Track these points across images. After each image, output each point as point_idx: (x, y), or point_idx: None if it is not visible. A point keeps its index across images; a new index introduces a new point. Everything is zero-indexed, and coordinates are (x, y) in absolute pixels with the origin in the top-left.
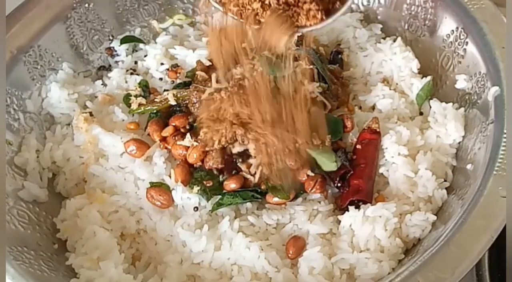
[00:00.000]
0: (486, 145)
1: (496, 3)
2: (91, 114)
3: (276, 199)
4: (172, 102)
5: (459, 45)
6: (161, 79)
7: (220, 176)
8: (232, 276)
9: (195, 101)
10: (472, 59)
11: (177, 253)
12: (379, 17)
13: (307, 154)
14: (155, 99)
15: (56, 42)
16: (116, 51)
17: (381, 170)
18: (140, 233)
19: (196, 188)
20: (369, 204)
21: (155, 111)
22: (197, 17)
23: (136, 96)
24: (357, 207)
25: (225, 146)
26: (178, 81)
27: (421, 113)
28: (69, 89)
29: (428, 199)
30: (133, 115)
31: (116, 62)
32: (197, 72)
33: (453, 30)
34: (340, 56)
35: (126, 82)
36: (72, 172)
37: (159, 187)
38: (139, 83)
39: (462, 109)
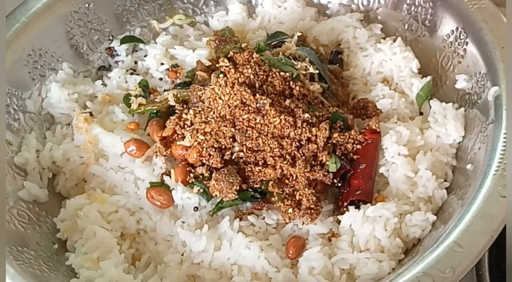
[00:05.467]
0: (486, 145)
1: (496, 3)
2: (91, 114)
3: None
4: (172, 102)
5: (459, 45)
6: (161, 79)
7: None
8: (232, 276)
9: (195, 101)
10: (472, 59)
11: (177, 253)
12: (379, 17)
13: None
14: (155, 99)
15: (56, 42)
16: (116, 51)
17: (381, 170)
18: (140, 233)
19: (196, 188)
20: (369, 204)
21: (155, 111)
22: (197, 17)
23: (136, 96)
24: (357, 207)
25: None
26: (178, 81)
27: (421, 113)
28: (69, 89)
29: (428, 199)
30: (133, 115)
31: (116, 62)
32: (197, 72)
33: (453, 30)
34: (340, 56)
35: (126, 82)
36: (72, 172)
37: (159, 187)
38: (139, 83)
39: (462, 109)
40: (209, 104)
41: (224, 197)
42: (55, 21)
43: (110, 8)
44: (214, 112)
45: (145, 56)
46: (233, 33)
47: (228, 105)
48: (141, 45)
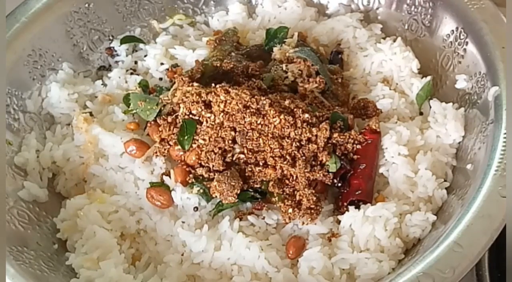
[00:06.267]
0: (486, 145)
1: (496, 3)
2: (91, 114)
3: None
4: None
5: (459, 45)
6: (161, 79)
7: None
8: (232, 276)
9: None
10: (472, 59)
11: (177, 253)
12: (379, 17)
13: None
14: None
15: (56, 42)
16: (116, 51)
17: (381, 170)
18: (140, 233)
19: (196, 189)
20: (369, 204)
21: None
22: (197, 17)
23: None
24: (357, 207)
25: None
26: None
27: (421, 113)
28: (69, 89)
29: (428, 199)
30: (133, 115)
31: (116, 62)
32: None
33: (453, 30)
34: (340, 56)
35: (126, 82)
36: (72, 172)
37: (159, 187)
38: (139, 83)
39: (462, 109)
40: (206, 121)
41: (224, 199)
42: (55, 21)
43: (110, 8)
44: (213, 123)
45: (145, 56)
46: (236, 33)
47: (227, 113)
48: (141, 45)
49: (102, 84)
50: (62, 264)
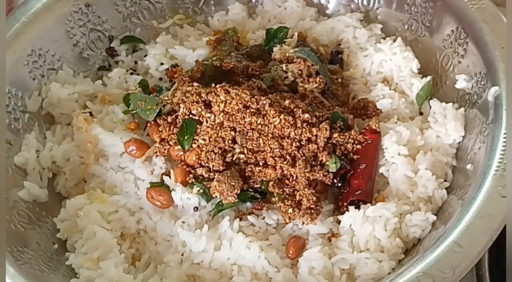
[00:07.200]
0: (486, 145)
1: (496, 3)
2: (91, 114)
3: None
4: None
5: (459, 45)
6: (161, 79)
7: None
8: (232, 276)
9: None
10: (472, 59)
11: (177, 253)
12: (379, 17)
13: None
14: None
15: (56, 42)
16: (116, 51)
17: (381, 170)
18: (140, 233)
19: (196, 189)
20: (369, 204)
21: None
22: (197, 17)
23: None
24: (357, 207)
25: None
26: None
27: (421, 113)
28: (69, 89)
29: (428, 199)
30: (133, 115)
31: (116, 62)
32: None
33: (453, 30)
34: (340, 56)
35: (126, 82)
36: (72, 172)
37: (159, 187)
38: (139, 83)
39: (462, 109)
40: (206, 121)
41: (224, 199)
42: (55, 21)
43: (110, 8)
44: (213, 123)
45: (145, 56)
46: (236, 33)
47: (227, 113)
48: (141, 45)
49: (102, 84)
50: (62, 264)
